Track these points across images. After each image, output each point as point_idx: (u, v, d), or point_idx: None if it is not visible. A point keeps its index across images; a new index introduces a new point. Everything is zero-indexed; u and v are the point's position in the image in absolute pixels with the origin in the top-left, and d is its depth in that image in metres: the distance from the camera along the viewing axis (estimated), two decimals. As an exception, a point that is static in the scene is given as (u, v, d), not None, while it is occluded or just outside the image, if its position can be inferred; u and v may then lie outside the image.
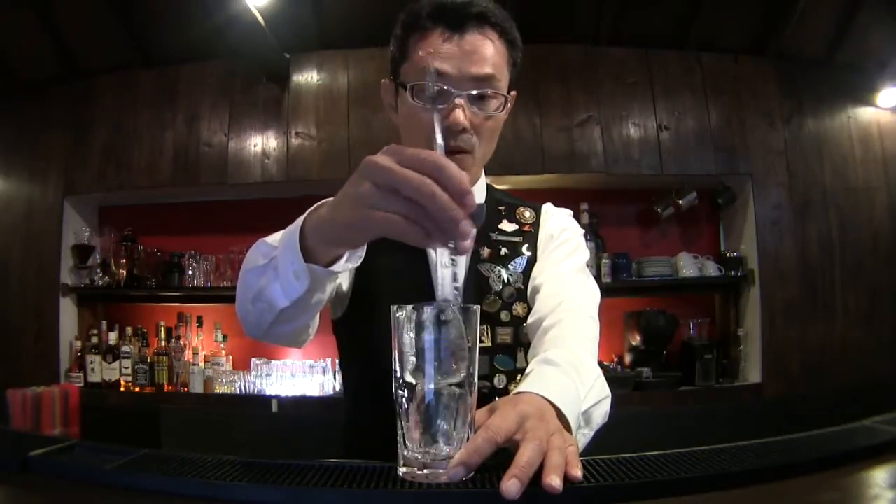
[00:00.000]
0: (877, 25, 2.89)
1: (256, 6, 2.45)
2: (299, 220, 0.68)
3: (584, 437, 0.75)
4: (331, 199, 0.62)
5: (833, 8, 2.88)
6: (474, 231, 0.52)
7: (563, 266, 0.98)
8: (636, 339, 2.96)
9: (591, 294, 0.96)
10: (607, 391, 0.80)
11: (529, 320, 0.94)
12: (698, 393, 2.83)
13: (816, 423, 0.68)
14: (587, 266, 1.02)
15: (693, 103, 2.99)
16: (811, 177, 2.99)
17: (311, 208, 0.68)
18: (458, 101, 0.86)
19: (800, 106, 3.03)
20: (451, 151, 0.86)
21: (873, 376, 2.79)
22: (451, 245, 0.52)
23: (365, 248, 0.70)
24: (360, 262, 0.70)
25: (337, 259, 0.68)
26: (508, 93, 0.94)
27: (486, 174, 1.08)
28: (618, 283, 2.94)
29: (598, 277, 2.81)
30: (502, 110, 0.92)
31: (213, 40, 2.84)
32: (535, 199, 1.10)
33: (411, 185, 0.50)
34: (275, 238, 0.75)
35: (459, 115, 0.85)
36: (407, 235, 0.52)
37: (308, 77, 3.03)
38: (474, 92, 0.88)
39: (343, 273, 0.79)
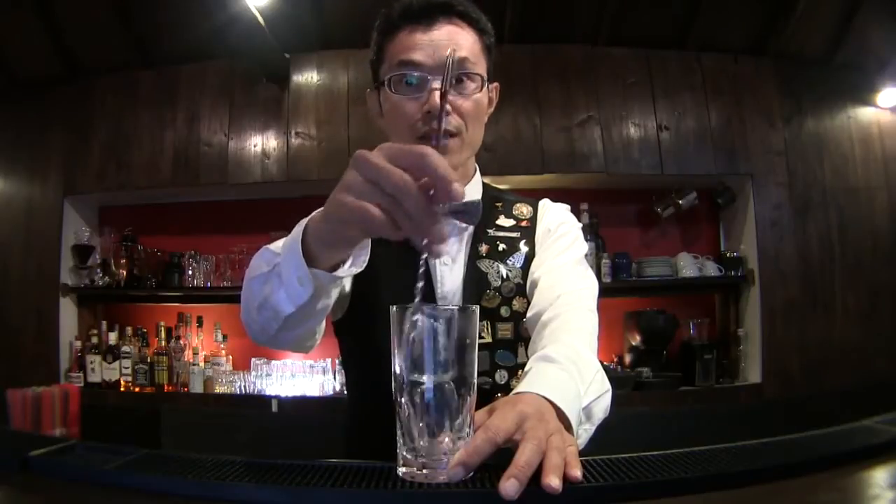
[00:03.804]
0: (877, 25, 2.89)
1: (256, 6, 2.45)
2: (301, 224, 0.68)
3: (585, 432, 0.75)
4: None
5: (833, 8, 2.88)
6: (449, 235, 0.52)
7: (561, 258, 0.98)
8: (636, 339, 2.96)
9: (590, 286, 0.96)
10: (607, 385, 0.80)
11: (528, 314, 0.94)
12: (698, 393, 2.82)
13: (816, 423, 0.68)
14: (585, 258, 1.02)
15: (693, 103, 2.99)
16: (811, 177, 2.99)
17: (313, 213, 0.68)
18: (434, 85, 0.87)
19: (800, 106, 3.02)
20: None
21: (873, 376, 2.79)
22: (424, 243, 0.53)
23: (368, 251, 0.70)
24: (363, 266, 0.70)
25: (340, 264, 0.68)
26: (489, 82, 0.95)
27: (485, 174, 1.08)
28: (618, 283, 2.94)
29: (598, 277, 2.80)
30: (481, 92, 0.93)
31: (213, 40, 2.84)
32: (534, 198, 1.10)
33: (390, 180, 0.52)
34: (278, 245, 0.75)
35: (438, 99, 0.86)
36: (380, 227, 0.53)
37: (308, 77, 3.03)
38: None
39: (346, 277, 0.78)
